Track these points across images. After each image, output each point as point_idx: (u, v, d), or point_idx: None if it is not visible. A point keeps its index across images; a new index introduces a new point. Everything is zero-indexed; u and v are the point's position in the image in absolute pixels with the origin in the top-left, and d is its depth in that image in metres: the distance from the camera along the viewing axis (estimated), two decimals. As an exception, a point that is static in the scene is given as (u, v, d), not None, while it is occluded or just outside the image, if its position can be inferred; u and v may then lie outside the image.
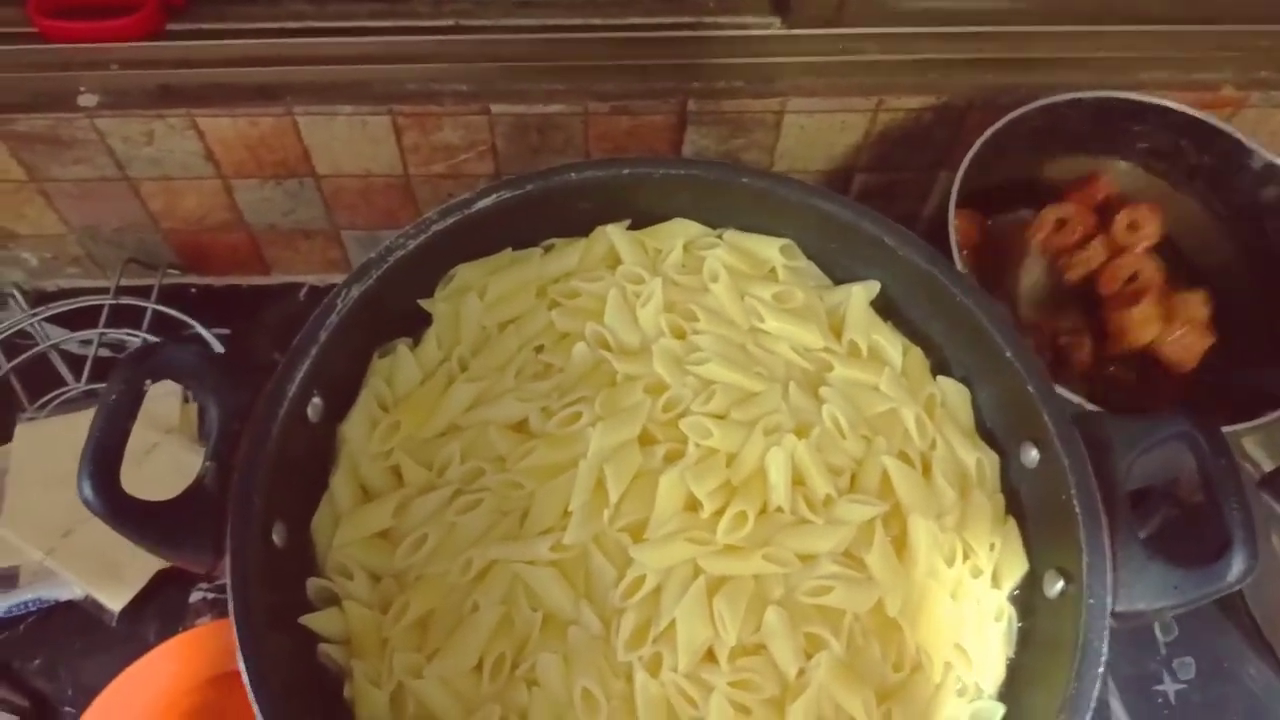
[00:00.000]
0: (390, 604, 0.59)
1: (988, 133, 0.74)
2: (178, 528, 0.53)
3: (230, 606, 0.52)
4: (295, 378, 0.58)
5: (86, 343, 0.93)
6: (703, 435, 0.63)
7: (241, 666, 0.51)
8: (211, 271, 0.99)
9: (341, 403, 0.64)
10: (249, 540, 0.54)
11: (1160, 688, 0.80)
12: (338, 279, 1.00)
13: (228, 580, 0.52)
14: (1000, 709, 0.59)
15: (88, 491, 0.51)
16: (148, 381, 0.55)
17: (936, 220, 0.75)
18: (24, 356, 0.91)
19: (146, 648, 0.79)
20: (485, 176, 0.89)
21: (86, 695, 0.78)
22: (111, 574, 0.80)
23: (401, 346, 0.66)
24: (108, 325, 0.93)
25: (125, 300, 0.94)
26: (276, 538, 0.57)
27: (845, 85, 0.83)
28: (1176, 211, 0.85)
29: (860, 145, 0.89)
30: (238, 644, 0.51)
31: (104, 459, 0.52)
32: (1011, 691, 0.60)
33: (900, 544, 0.61)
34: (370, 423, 0.63)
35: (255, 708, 0.50)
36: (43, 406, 0.90)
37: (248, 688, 0.51)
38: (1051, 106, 0.77)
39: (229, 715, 0.79)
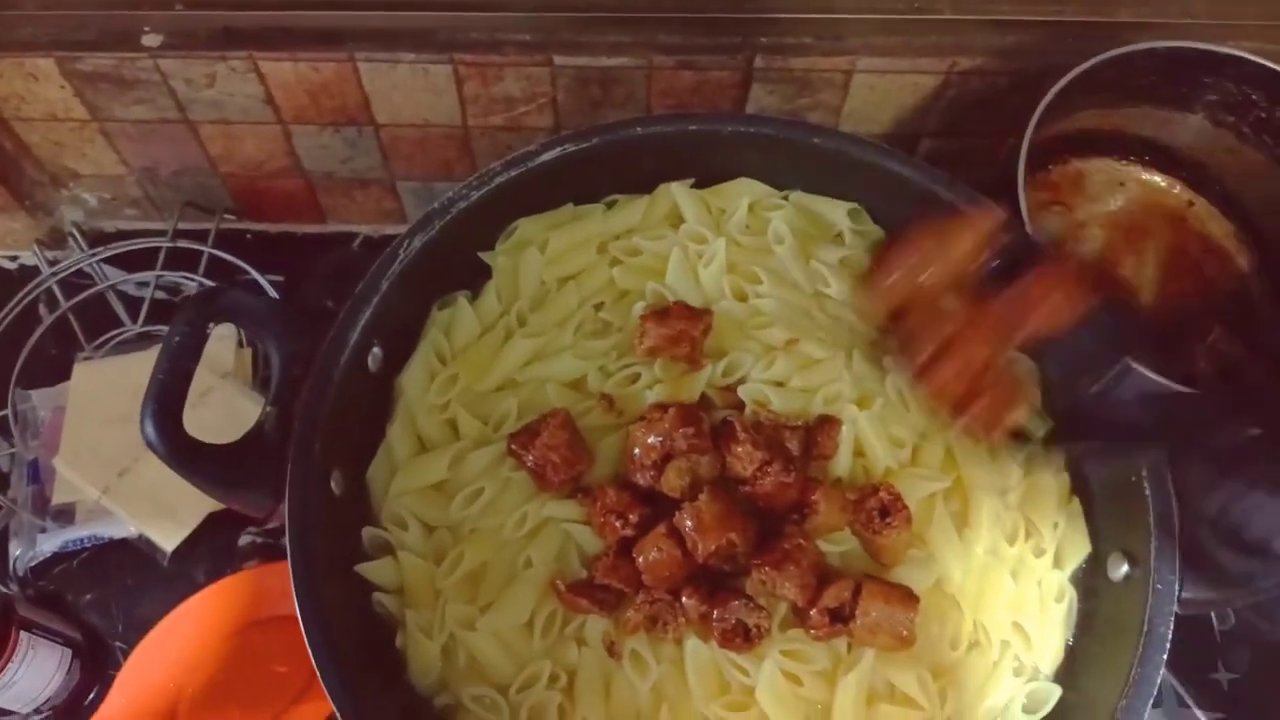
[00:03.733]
0: (444, 555, 0.59)
1: (1057, 86, 0.71)
2: (238, 471, 0.53)
3: (289, 552, 0.52)
4: (357, 326, 0.58)
5: (143, 284, 0.94)
6: (761, 402, 0.62)
7: (299, 611, 0.51)
8: (267, 218, 0.99)
9: (400, 354, 0.63)
10: (309, 486, 0.54)
11: (1215, 676, 0.78)
12: (392, 229, 1.00)
13: (286, 525, 0.53)
14: (1057, 691, 0.58)
15: (150, 432, 0.51)
16: (211, 324, 0.55)
17: (1001, 188, 0.73)
18: (82, 296, 0.92)
19: (196, 588, 0.80)
20: (544, 130, 0.88)
21: (136, 631, 0.80)
22: (165, 514, 0.81)
23: (461, 299, 0.65)
24: (164, 268, 0.93)
25: (182, 244, 0.94)
26: (334, 485, 0.57)
27: (918, 45, 0.80)
28: (1242, 167, 0.81)
29: (929, 109, 0.86)
30: (295, 589, 0.52)
31: (167, 399, 0.52)
32: (1070, 674, 0.59)
33: (961, 520, 0.60)
34: (428, 374, 0.63)
35: (311, 651, 0.51)
36: (100, 346, 0.90)
37: (304, 631, 0.51)
38: (1125, 57, 0.73)
39: (273, 658, 0.79)
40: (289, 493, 0.53)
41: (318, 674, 0.50)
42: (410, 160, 0.92)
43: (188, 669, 0.78)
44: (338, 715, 0.50)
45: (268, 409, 0.55)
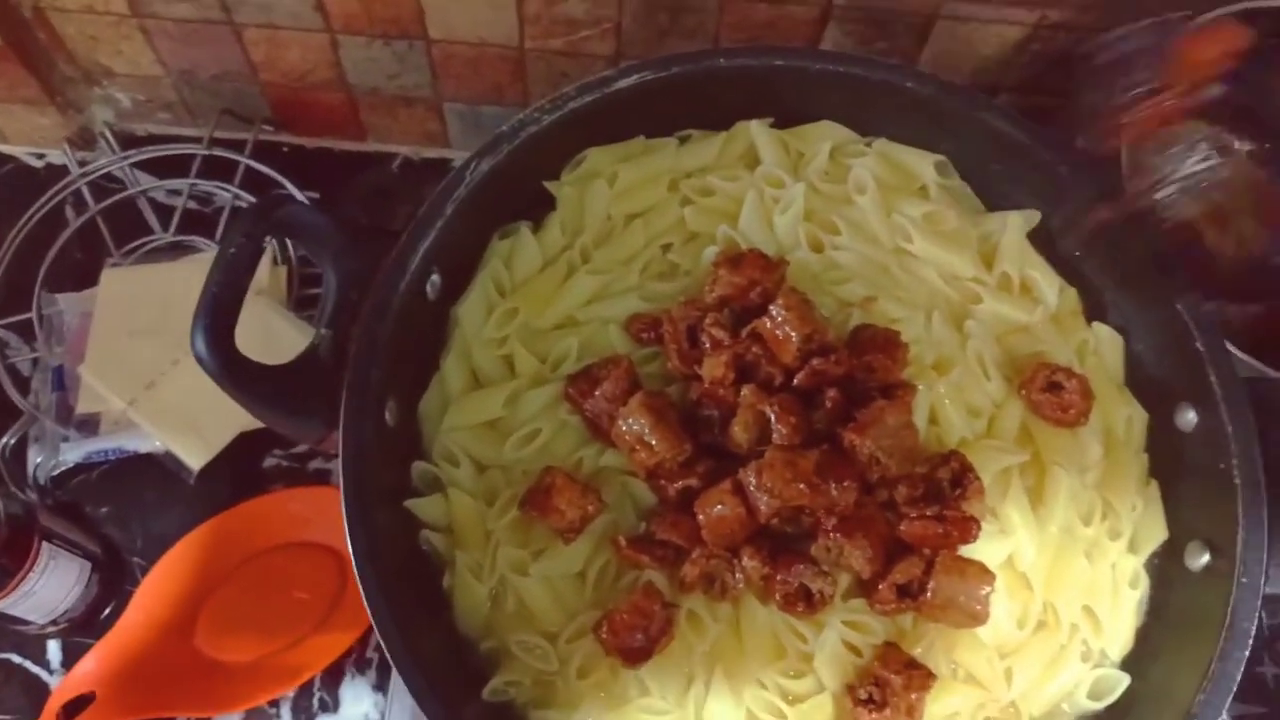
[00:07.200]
0: (495, 496, 0.57)
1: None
2: (290, 394, 0.51)
3: (342, 480, 0.50)
4: (419, 250, 0.55)
5: (174, 193, 0.90)
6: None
7: (349, 539, 0.49)
8: (306, 132, 0.95)
9: (458, 283, 0.61)
10: (364, 414, 0.51)
11: (1260, 670, 0.77)
12: (434, 153, 0.96)
13: (340, 453, 0.50)
14: (1125, 679, 0.56)
15: (201, 346, 0.48)
16: (268, 237, 0.51)
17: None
18: (112, 200, 0.88)
19: (217, 507, 0.78)
20: (604, 59, 0.84)
21: (155, 548, 0.78)
22: (193, 431, 0.78)
23: (524, 229, 0.62)
24: (198, 176, 0.89)
25: (217, 152, 0.90)
26: (389, 415, 0.54)
27: (1009, -8, 0.76)
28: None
29: (1010, 63, 0.82)
30: (346, 518, 0.49)
31: (219, 313, 0.49)
32: (1138, 662, 0.57)
33: (1036, 496, 0.58)
34: (486, 307, 0.60)
35: (360, 582, 0.49)
36: (129, 253, 0.87)
37: (354, 562, 0.49)
38: (1252, 13, 0.66)
39: (295, 584, 0.78)
40: (344, 419, 0.51)
41: (366, 604, 0.49)
42: (460, 80, 0.88)
43: (207, 589, 0.77)
44: (385, 648, 0.48)
45: (322, 332, 0.52)
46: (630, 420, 0.54)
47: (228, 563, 0.78)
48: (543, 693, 0.55)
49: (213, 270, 0.49)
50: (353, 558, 0.49)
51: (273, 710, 0.76)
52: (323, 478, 0.83)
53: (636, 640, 0.52)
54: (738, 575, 0.54)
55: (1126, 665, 0.57)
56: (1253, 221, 0.77)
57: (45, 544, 0.70)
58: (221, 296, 0.49)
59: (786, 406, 0.54)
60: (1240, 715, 0.74)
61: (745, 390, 0.55)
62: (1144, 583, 0.58)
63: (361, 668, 0.77)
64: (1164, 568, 0.58)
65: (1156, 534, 0.58)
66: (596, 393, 0.56)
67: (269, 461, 0.83)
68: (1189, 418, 0.58)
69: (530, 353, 0.59)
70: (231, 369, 0.48)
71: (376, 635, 0.49)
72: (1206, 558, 0.55)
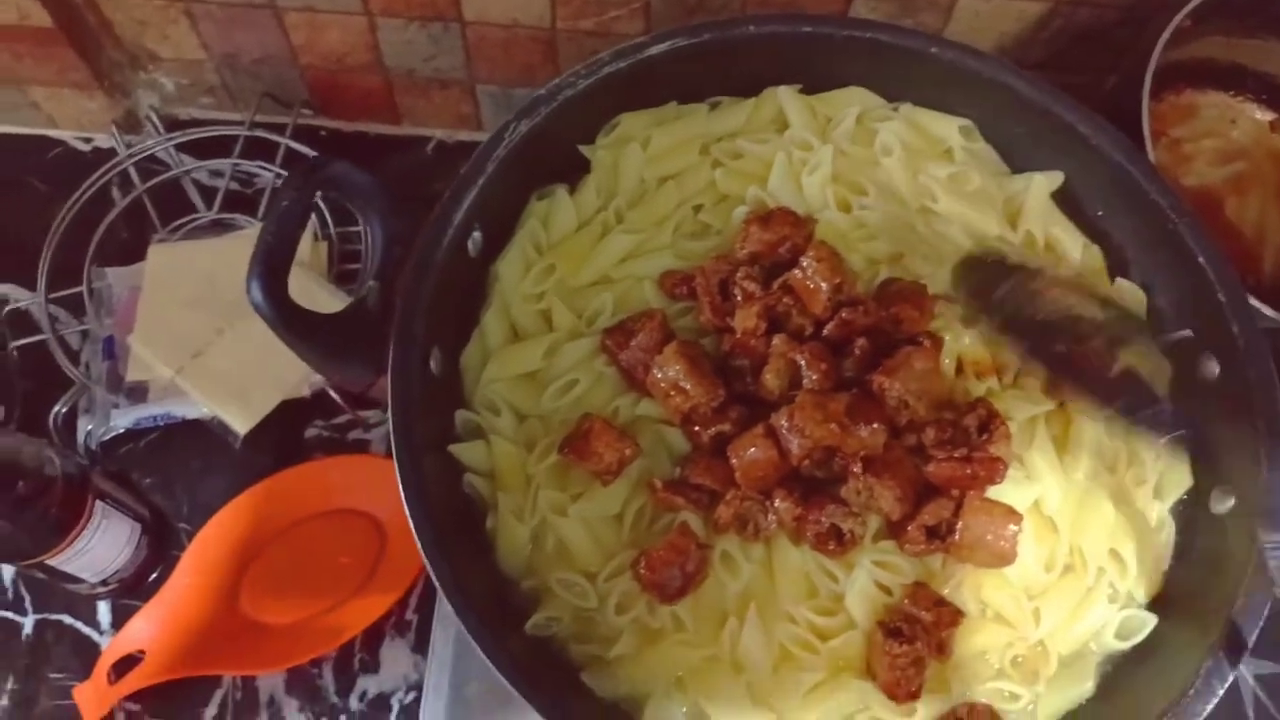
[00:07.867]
0: (535, 443, 0.59)
1: (1191, 4, 0.68)
2: (340, 341, 0.53)
3: (391, 423, 0.52)
4: (461, 207, 0.57)
5: (216, 174, 0.93)
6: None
7: (400, 480, 0.51)
8: (343, 115, 0.98)
9: (498, 241, 0.63)
10: (410, 362, 0.53)
11: None
12: (467, 136, 0.99)
13: (389, 398, 0.52)
14: (1152, 619, 0.57)
15: (256, 294, 0.50)
16: (317, 193, 0.54)
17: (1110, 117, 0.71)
18: (157, 180, 0.91)
19: (260, 475, 0.80)
20: (633, 38, 0.86)
21: (200, 514, 0.80)
22: (238, 397, 0.81)
23: (560, 190, 0.64)
24: (240, 157, 0.92)
25: (259, 134, 0.93)
26: (433, 364, 0.56)
27: (1033, -34, 0.78)
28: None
29: (1032, 39, 0.83)
30: (396, 459, 0.51)
31: (273, 264, 0.51)
32: (1165, 604, 0.58)
33: (1062, 444, 0.59)
34: (525, 264, 0.62)
35: (410, 519, 0.51)
36: (174, 231, 0.90)
37: (404, 500, 0.51)
38: None
39: (336, 550, 0.80)
40: (392, 366, 0.53)
41: (416, 540, 0.50)
42: (493, 62, 0.90)
43: (251, 554, 0.79)
44: (435, 581, 0.50)
45: (370, 284, 0.55)
46: (666, 367, 0.55)
47: (271, 528, 0.80)
48: (582, 628, 0.57)
49: (266, 223, 0.51)
50: (404, 498, 0.51)
51: (315, 671, 0.78)
52: (362, 447, 0.85)
53: (673, 577, 0.54)
54: (770, 517, 0.56)
55: (1153, 606, 0.58)
56: (1275, 205, 0.78)
57: (99, 502, 0.72)
58: (275, 246, 0.51)
59: (817, 354, 0.55)
60: (1262, 674, 0.74)
61: (776, 339, 0.56)
62: (1169, 527, 0.59)
63: (401, 630, 0.79)
64: (1189, 513, 0.59)
65: (1182, 480, 0.59)
66: (632, 344, 0.57)
67: (310, 431, 0.85)
68: (1212, 367, 0.59)
69: (567, 308, 0.61)
70: (285, 313, 0.50)
71: (428, 570, 0.50)
72: (1231, 502, 0.56)
